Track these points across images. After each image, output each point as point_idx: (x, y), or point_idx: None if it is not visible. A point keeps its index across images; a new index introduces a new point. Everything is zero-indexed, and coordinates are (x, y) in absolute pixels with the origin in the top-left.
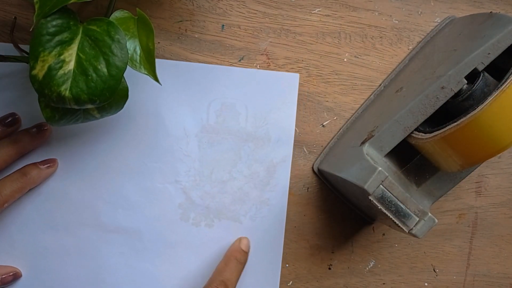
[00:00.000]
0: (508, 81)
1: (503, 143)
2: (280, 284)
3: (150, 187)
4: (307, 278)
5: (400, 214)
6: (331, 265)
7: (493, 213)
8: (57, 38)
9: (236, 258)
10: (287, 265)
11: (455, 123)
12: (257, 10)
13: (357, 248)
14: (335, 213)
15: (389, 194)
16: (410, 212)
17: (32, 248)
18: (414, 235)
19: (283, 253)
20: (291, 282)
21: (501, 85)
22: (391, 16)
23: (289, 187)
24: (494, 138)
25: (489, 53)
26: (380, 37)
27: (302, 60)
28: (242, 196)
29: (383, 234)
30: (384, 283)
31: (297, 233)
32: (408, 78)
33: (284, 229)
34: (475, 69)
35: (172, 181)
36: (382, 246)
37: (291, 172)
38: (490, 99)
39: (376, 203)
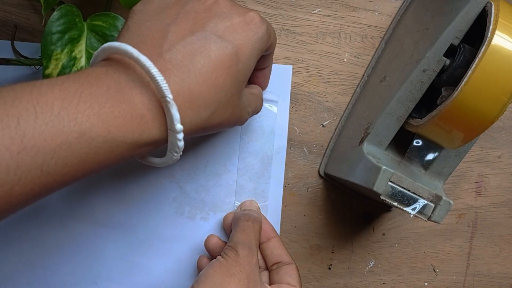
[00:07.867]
0: (478, 57)
1: (492, 115)
2: None
3: (145, 181)
4: (307, 278)
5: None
6: (331, 265)
7: (493, 213)
8: (67, 36)
9: (242, 219)
10: None
11: (442, 106)
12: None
13: (357, 248)
14: (335, 213)
15: (400, 188)
16: (424, 200)
17: (27, 244)
18: (435, 222)
19: None
20: None
21: (473, 63)
22: (391, 16)
23: (289, 187)
24: (482, 110)
25: (460, 28)
26: (380, 37)
27: (302, 60)
28: (237, 189)
29: (383, 234)
30: (384, 283)
31: (297, 233)
32: (389, 65)
33: (280, 221)
34: (452, 44)
35: (166, 175)
36: (382, 246)
37: (291, 172)
38: (466, 77)
39: (389, 201)
